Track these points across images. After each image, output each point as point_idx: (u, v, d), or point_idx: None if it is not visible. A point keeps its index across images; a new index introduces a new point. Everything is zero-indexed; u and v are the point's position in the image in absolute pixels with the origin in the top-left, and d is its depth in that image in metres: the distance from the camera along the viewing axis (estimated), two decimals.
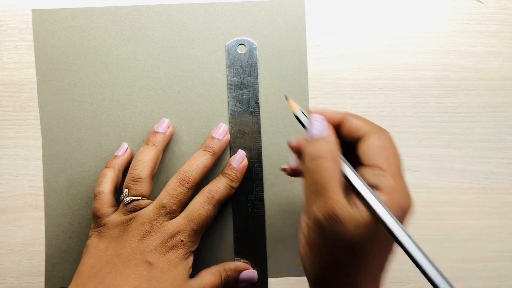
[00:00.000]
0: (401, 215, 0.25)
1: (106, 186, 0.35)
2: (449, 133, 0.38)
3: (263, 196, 0.38)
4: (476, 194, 0.38)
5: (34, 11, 0.38)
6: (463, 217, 0.38)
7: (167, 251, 0.32)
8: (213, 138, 0.36)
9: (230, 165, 0.36)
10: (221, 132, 0.36)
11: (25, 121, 0.38)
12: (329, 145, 0.26)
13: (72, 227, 0.37)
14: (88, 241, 0.33)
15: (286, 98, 0.31)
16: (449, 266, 0.38)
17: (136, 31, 0.38)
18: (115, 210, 0.34)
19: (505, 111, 0.38)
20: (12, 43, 0.38)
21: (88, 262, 0.32)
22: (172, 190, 0.33)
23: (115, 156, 0.36)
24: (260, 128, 0.37)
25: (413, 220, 0.38)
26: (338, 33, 0.38)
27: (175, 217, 0.33)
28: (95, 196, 0.35)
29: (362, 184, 0.25)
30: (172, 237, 0.32)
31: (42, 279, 0.37)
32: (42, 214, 0.37)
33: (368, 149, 0.26)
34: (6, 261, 0.38)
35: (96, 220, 0.34)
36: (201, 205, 0.33)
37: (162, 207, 0.33)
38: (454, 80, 0.38)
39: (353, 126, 0.27)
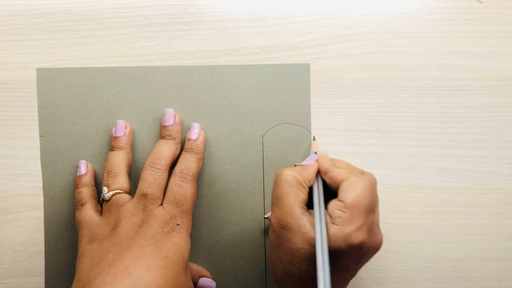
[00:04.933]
0: (346, 248, 0.28)
1: (85, 197, 0.35)
2: (449, 133, 0.38)
3: None
4: (476, 194, 0.38)
5: (38, 69, 0.37)
6: (463, 217, 0.38)
7: (168, 234, 0.32)
8: (165, 127, 0.36)
9: (190, 139, 0.36)
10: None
11: (25, 121, 0.38)
12: (296, 174, 0.31)
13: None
14: (78, 252, 0.33)
15: (314, 138, 0.37)
16: (449, 266, 0.38)
17: (141, 91, 0.37)
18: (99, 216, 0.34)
19: (505, 111, 0.38)
20: (12, 43, 0.38)
21: (85, 262, 0.31)
22: (146, 176, 0.33)
23: (80, 176, 0.36)
24: None
25: (413, 220, 0.38)
26: (338, 33, 0.38)
27: (161, 203, 0.33)
28: (76, 208, 0.35)
29: (318, 209, 0.29)
30: (167, 223, 0.32)
31: (42, 279, 0.37)
32: (42, 214, 0.37)
33: (341, 187, 0.30)
34: (6, 261, 0.38)
35: (81, 230, 0.33)
36: (180, 186, 0.33)
37: (144, 196, 0.33)
38: (454, 80, 0.38)
39: (335, 175, 0.31)
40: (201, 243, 0.37)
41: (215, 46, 0.38)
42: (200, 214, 0.37)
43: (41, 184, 0.38)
